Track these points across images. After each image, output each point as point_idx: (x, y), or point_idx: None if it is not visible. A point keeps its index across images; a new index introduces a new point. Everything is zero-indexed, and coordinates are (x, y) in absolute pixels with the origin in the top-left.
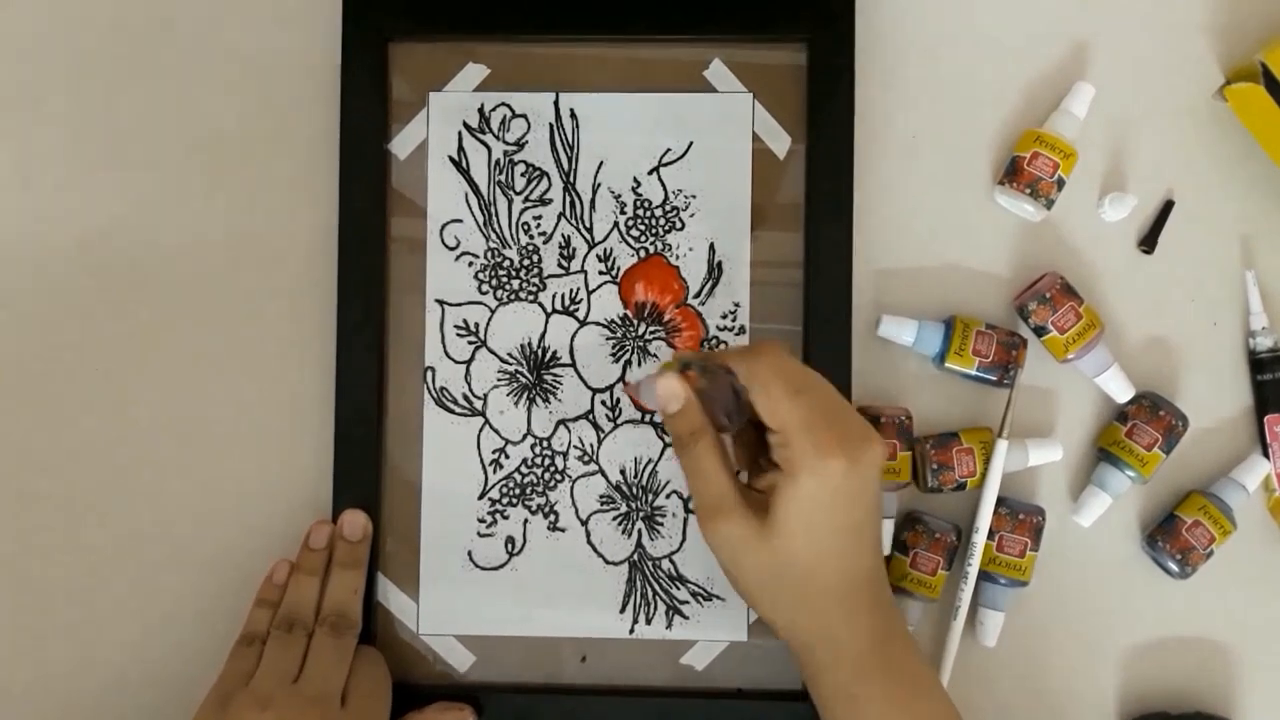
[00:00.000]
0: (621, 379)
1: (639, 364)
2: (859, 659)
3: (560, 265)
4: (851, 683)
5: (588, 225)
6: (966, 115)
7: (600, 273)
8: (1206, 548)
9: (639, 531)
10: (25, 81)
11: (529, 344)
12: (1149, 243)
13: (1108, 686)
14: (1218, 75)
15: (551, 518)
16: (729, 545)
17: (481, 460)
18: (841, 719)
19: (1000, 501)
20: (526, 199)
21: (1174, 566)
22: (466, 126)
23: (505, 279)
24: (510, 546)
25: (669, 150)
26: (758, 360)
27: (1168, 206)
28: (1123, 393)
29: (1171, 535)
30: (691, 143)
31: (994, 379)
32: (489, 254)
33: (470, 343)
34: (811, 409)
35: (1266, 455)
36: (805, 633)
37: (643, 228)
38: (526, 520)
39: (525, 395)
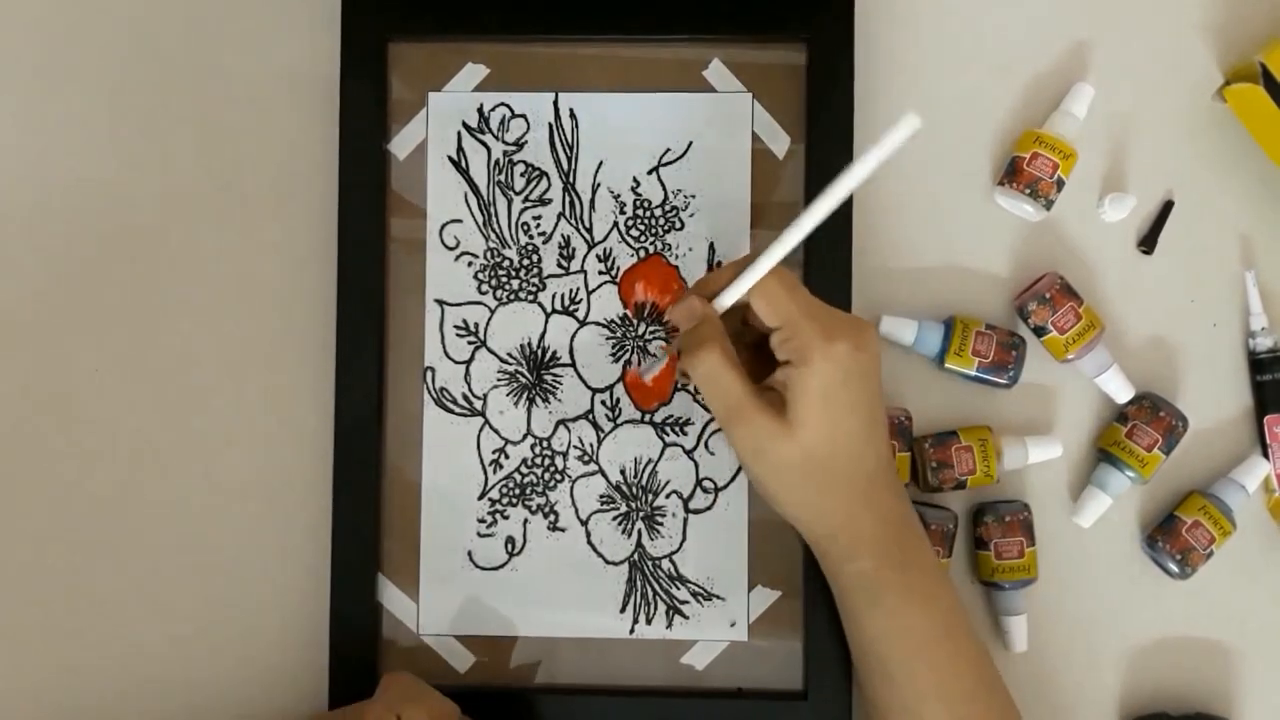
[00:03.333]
0: (621, 379)
1: (638, 364)
2: (879, 545)
3: (560, 265)
4: (872, 570)
5: (587, 225)
6: (966, 115)
7: (600, 272)
8: (1206, 548)
9: (639, 531)
10: (22, 81)
11: (529, 344)
12: (1149, 243)
13: (1108, 686)
14: (1217, 75)
15: (551, 518)
16: (752, 443)
17: (481, 460)
18: (861, 607)
19: (983, 509)
20: (526, 199)
21: (1174, 567)
22: (466, 126)
23: (505, 279)
24: (510, 547)
25: (668, 150)
26: (753, 268)
27: (1167, 207)
28: (1122, 393)
29: (1171, 536)
30: (691, 143)
31: (994, 379)
32: (488, 254)
33: (470, 343)
34: (809, 301)
35: (1266, 456)
36: (828, 521)
37: (642, 227)
38: (526, 520)
39: (525, 395)
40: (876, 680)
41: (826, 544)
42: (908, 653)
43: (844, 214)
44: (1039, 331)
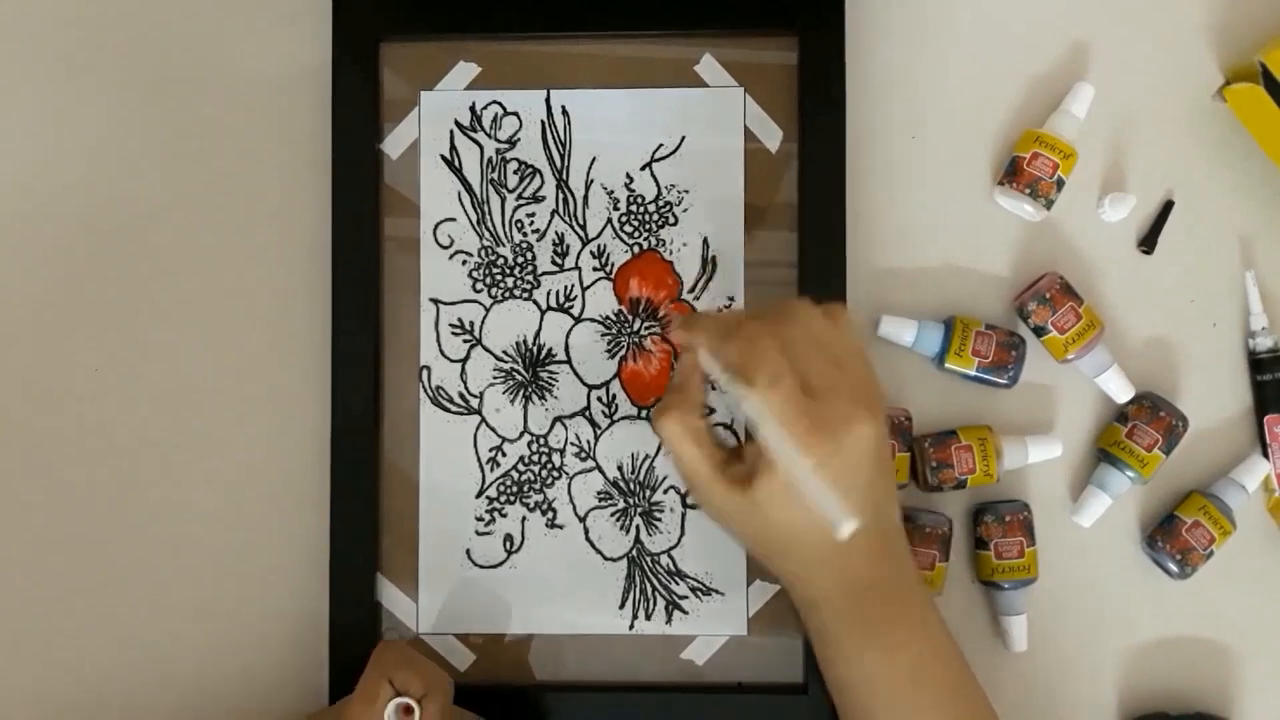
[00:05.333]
0: (617, 375)
1: (634, 360)
2: (840, 603)
3: (554, 262)
4: (830, 622)
5: (581, 222)
6: (966, 115)
7: (594, 269)
8: (1206, 548)
9: (637, 527)
10: (17, 82)
11: (524, 341)
12: (1149, 243)
13: (1108, 686)
14: (1217, 75)
15: (550, 515)
16: (720, 511)
17: (479, 458)
18: (821, 652)
19: (983, 509)
20: (519, 196)
21: (1174, 567)
22: (458, 125)
23: (499, 277)
24: (509, 544)
25: (661, 145)
26: (736, 351)
27: (1167, 206)
28: (1122, 393)
29: (1171, 535)
30: (684, 138)
31: (994, 379)
32: (483, 252)
33: (465, 341)
34: (787, 401)
35: (1266, 455)
36: (788, 578)
37: (636, 223)
38: (525, 518)
39: (521, 393)
40: None
41: (789, 590)
42: (870, 700)
43: (837, 208)
44: (1039, 331)
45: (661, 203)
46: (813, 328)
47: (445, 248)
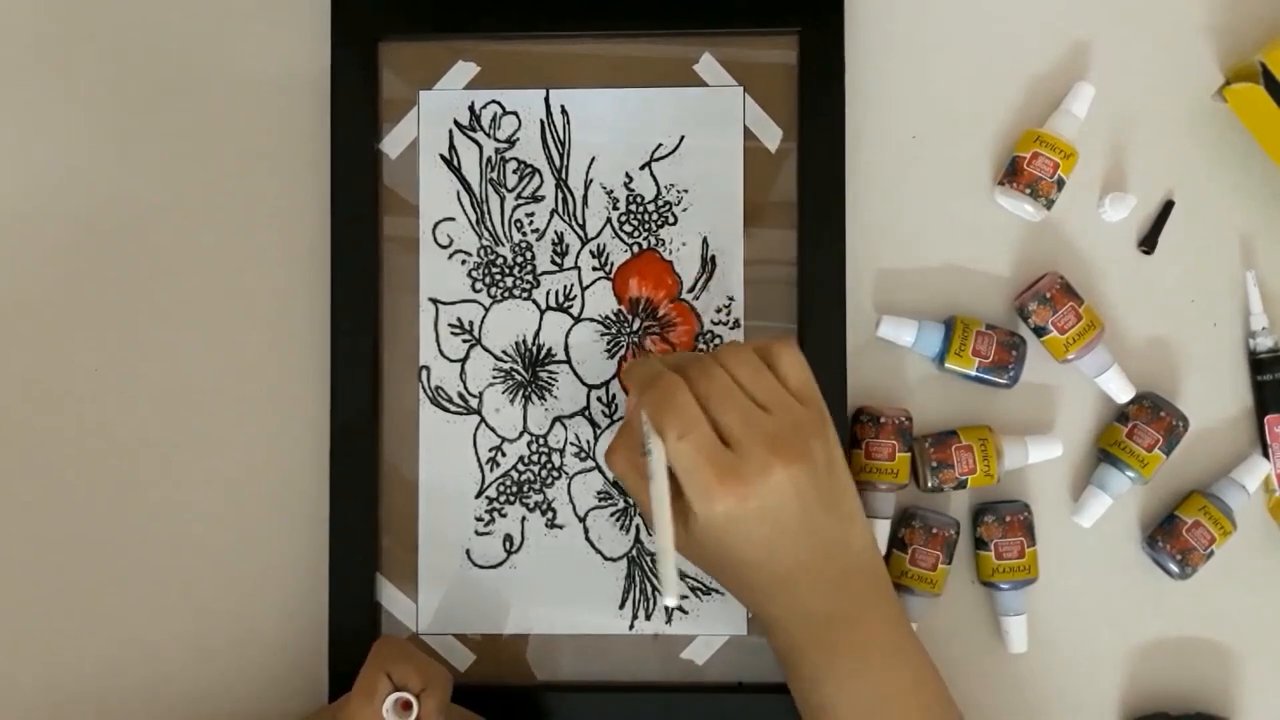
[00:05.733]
0: (616, 375)
1: (632, 355)
2: (793, 630)
3: (554, 262)
4: (784, 649)
5: (580, 221)
6: (966, 115)
7: (594, 269)
8: (1206, 548)
9: (637, 527)
10: (15, 82)
11: (523, 341)
12: (1149, 243)
13: (1108, 686)
14: (1217, 75)
15: (549, 515)
16: (682, 550)
17: (478, 458)
18: (787, 677)
19: (984, 509)
20: (519, 196)
21: (1174, 567)
22: (457, 124)
23: (499, 277)
24: (508, 544)
25: (660, 145)
26: (650, 403)
27: (1168, 206)
28: (1123, 393)
29: (1172, 536)
30: (683, 137)
31: (994, 379)
32: (482, 252)
33: (465, 341)
34: (698, 450)
35: (1266, 456)
36: (747, 605)
37: (635, 223)
38: (524, 518)
39: (521, 393)
40: None
41: (754, 615)
42: None
43: (837, 207)
44: (1039, 331)
45: (661, 202)
46: (741, 374)
47: (444, 247)
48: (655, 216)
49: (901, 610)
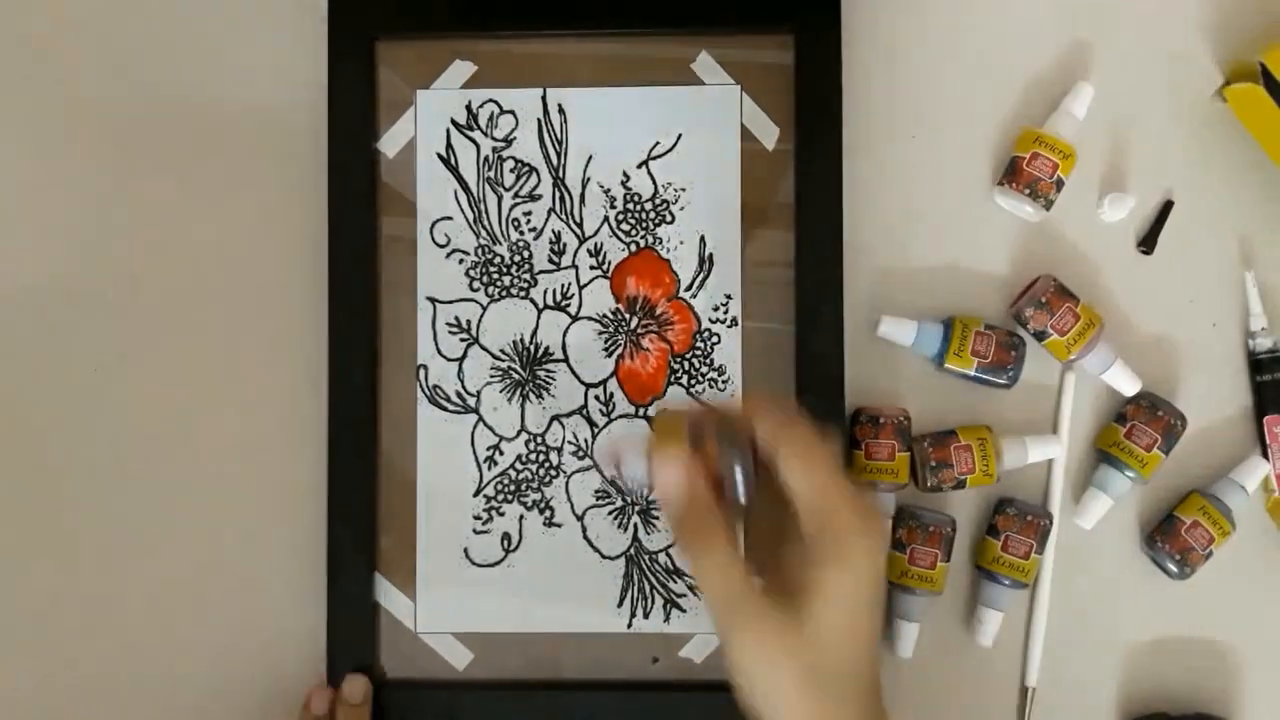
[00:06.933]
0: (615, 373)
1: (631, 358)
2: None
3: (551, 261)
4: None
5: (578, 220)
6: (965, 115)
7: (591, 267)
8: (1205, 548)
9: (635, 526)
10: (14, 81)
11: (521, 340)
12: (1148, 243)
13: (1108, 686)
14: (1217, 75)
15: (547, 514)
16: (759, 657)
17: (476, 457)
18: None
19: (1009, 502)
20: (516, 195)
21: (1173, 567)
22: (455, 124)
23: (496, 275)
24: (506, 543)
25: (657, 144)
26: (787, 428)
27: (1167, 207)
28: (1129, 387)
29: (1171, 536)
30: (680, 136)
31: (993, 379)
32: (479, 251)
33: (462, 340)
34: (834, 479)
35: (1265, 456)
36: None
37: (633, 221)
38: (522, 516)
39: (518, 392)
40: None
41: None
42: None
43: (834, 205)
44: (1039, 336)
45: (658, 201)
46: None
47: (442, 246)
48: (653, 215)
49: None
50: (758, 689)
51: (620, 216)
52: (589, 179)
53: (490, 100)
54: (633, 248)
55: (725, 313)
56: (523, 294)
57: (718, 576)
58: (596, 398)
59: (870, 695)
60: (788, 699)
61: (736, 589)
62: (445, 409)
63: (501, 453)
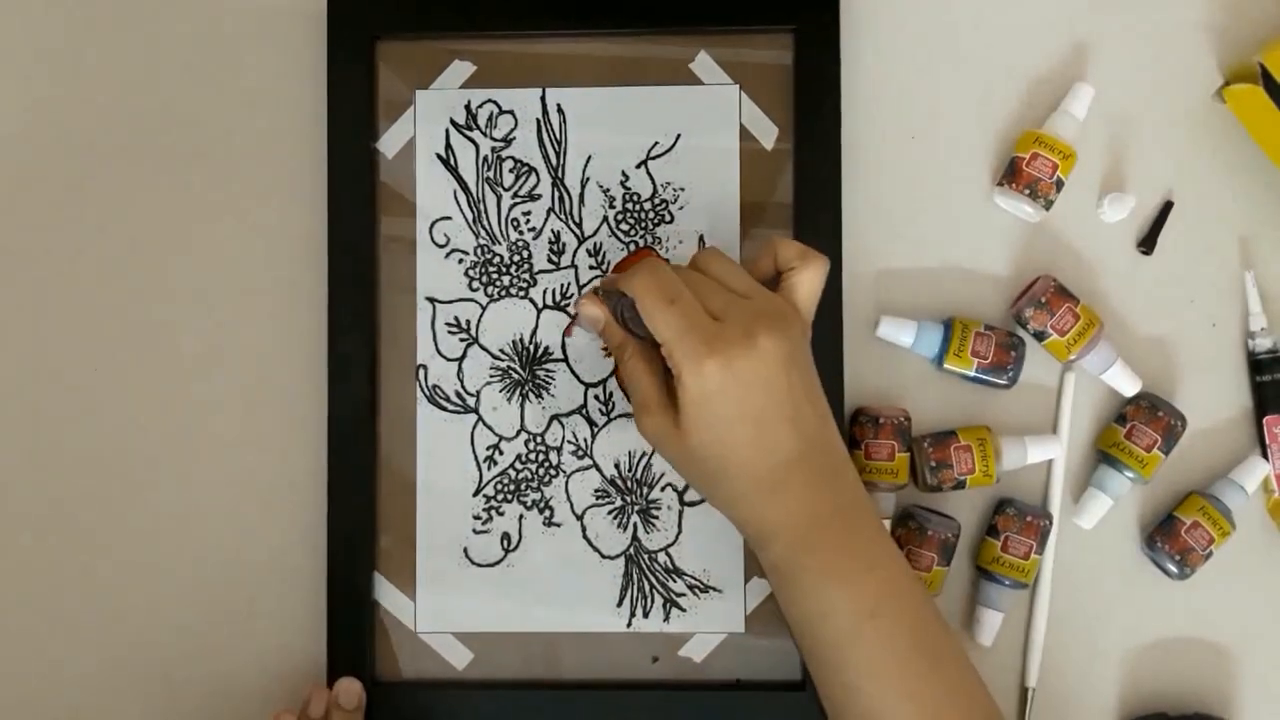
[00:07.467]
0: (614, 372)
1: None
2: (787, 533)
3: (550, 261)
4: (783, 555)
5: (577, 220)
6: (965, 115)
7: (590, 267)
8: (1205, 549)
9: (634, 525)
10: (20, 71)
11: (520, 340)
12: (1148, 243)
13: (1108, 686)
14: (1217, 76)
15: (547, 513)
16: (654, 440)
17: (475, 457)
18: (780, 592)
19: (1009, 502)
20: (515, 195)
21: (1173, 567)
22: (454, 124)
23: (495, 275)
24: (506, 543)
25: (656, 144)
26: (633, 278)
27: (1167, 207)
28: (1129, 387)
29: (1170, 536)
30: (679, 135)
31: (993, 380)
32: (479, 251)
33: (462, 340)
34: (684, 316)
35: (1265, 456)
36: (731, 513)
37: (632, 221)
38: (522, 516)
39: (518, 391)
40: (814, 665)
41: (743, 531)
42: (834, 635)
43: (833, 205)
44: (1039, 336)
45: (657, 200)
46: (721, 270)
47: (441, 246)
48: (652, 215)
49: (875, 510)
50: (664, 459)
51: (619, 216)
52: (588, 179)
53: (489, 100)
54: (632, 247)
55: None
56: (522, 294)
57: (630, 375)
58: (596, 397)
59: (753, 481)
60: (683, 472)
61: (642, 384)
62: (445, 409)
63: (501, 452)
